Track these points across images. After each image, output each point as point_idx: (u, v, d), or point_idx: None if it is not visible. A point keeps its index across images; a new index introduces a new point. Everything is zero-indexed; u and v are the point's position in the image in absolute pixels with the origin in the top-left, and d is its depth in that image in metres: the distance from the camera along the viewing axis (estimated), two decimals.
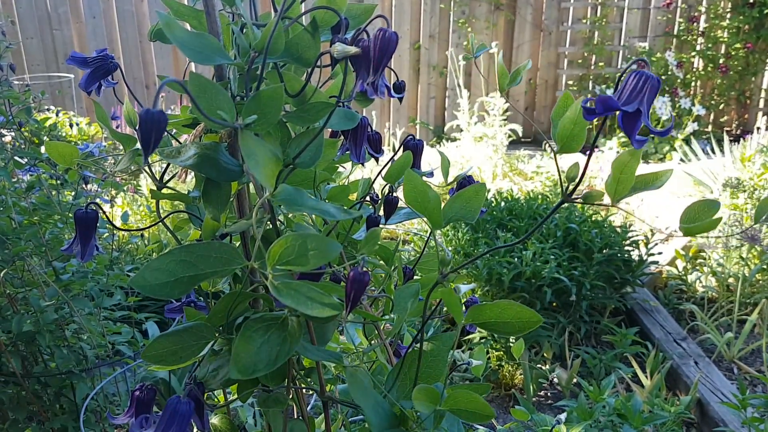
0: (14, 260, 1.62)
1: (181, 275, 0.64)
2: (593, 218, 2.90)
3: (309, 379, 0.90)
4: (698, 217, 0.63)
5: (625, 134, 0.58)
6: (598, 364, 2.55)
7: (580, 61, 6.30)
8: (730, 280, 3.03)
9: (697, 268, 3.25)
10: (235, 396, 0.87)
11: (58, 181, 1.85)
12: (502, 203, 3.00)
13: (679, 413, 2.05)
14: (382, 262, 0.93)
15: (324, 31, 0.74)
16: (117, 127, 3.00)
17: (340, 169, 0.97)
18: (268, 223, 0.76)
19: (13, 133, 1.86)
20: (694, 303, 3.07)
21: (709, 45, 6.09)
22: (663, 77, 6.03)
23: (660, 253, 3.09)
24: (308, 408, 1.08)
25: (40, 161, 1.78)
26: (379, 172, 0.91)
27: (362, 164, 0.87)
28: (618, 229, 2.90)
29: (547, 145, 5.31)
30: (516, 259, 2.67)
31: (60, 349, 1.69)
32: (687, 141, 5.49)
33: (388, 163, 0.89)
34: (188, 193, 0.86)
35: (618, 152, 4.90)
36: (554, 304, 2.73)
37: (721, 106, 6.25)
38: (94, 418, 1.76)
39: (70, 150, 0.82)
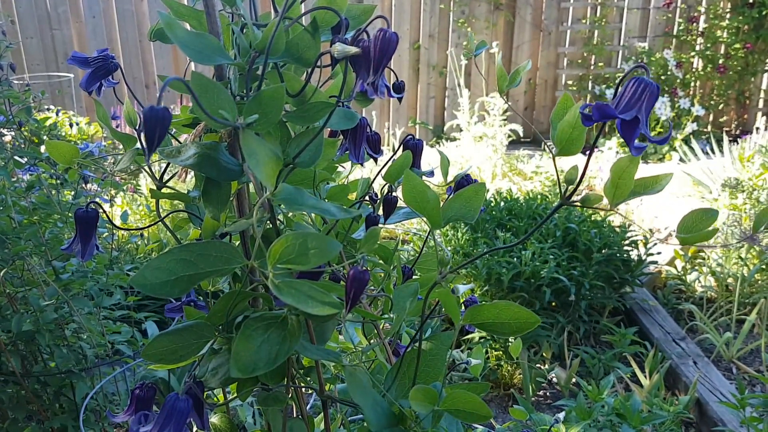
0: (14, 259, 1.63)
1: (181, 274, 0.64)
2: (592, 218, 2.91)
3: (308, 378, 0.90)
4: (695, 227, 0.64)
5: (624, 141, 0.58)
6: (597, 364, 2.56)
7: (579, 61, 6.31)
8: (729, 280, 3.03)
9: (696, 268, 3.26)
10: (235, 395, 0.87)
11: (58, 181, 1.85)
12: (502, 203, 3.00)
13: (678, 413, 2.05)
14: (381, 261, 0.93)
15: (324, 31, 0.74)
16: (117, 127, 3.00)
17: (339, 168, 0.97)
18: (268, 222, 0.77)
19: (13, 133, 1.86)
20: (693, 303, 3.07)
21: (709, 45, 6.10)
22: (662, 77, 6.04)
23: (659, 253, 3.09)
24: (307, 407, 1.08)
25: (39, 161, 1.79)
26: (379, 172, 0.91)
27: (361, 164, 0.87)
28: (617, 229, 2.91)
29: (547, 145, 5.31)
30: (515, 258, 2.67)
31: (59, 348, 1.69)
32: (686, 141, 5.50)
33: (387, 162, 0.89)
34: (188, 193, 0.87)
35: (617, 152, 4.90)
36: (553, 303, 2.73)
37: (721, 107, 6.25)
38: (94, 418, 1.77)
39: (71, 149, 0.82)
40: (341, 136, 0.87)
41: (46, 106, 3.37)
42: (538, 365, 2.56)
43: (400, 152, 0.90)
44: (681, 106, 5.80)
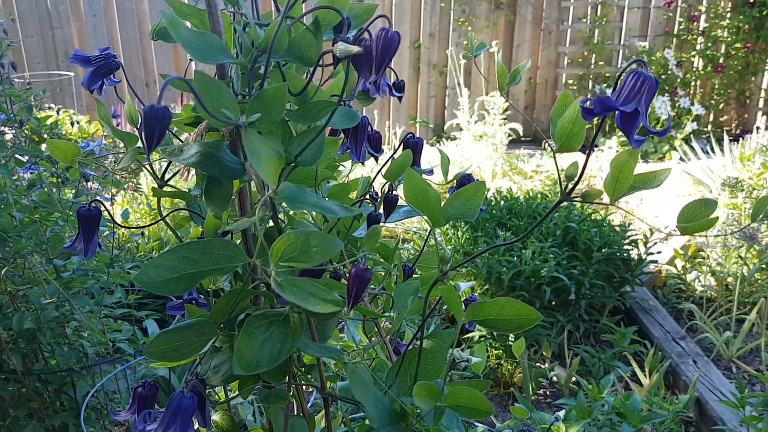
0: (15, 258, 1.63)
1: (183, 272, 0.64)
2: (592, 217, 2.91)
3: (309, 376, 0.90)
4: (695, 217, 0.64)
5: (623, 134, 0.59)
6: (597, 363, 2.56)
7: (580, 60, 6.31)
8: (729, 279, 3.04)
9: (696, 267, 3.26)
10: (236, 393, 0.87)
11: (59, 179, 1.86)
12: (502, 202, 3.00)
13: (678, 412, 2.06)
14: (382, 259, 0.93)
15: (326, 30, 0.74)
16: (117, 125, 3.00)
17: (340, 167, 0.97)
18: (270, 221, 0.77)
19: (14, 131, 1.86)
20: (693, 302, 3.08)
21: (709, 44, 6.10)
22: (662, 77, 6.04)
23: (659, 252, 3.09)
24: (308, 406, 1.08)
25: (40, 159, 1.79)
26: (379, 171, 0.91)
27: (362, 163, 0.87)
28: (617, 228, 2.91)
29: (547, 144, 5.31)
30: (515, 257, 2.67)
31: (60, 346, 1.70)
32: (686, 140, 5.50)
33: (388, 161, 0.89)
34: (189, 191, 0.87)
35: (617, 151, 4.90)
36: (553, 302, 2.74)
37: (721, 106, 6.25)
38: (95, 416, 1.77)
39: (72, 148, 0.83)
40: (342, 135, 0.88)
41: (47, 105, 3.38)
42: (538, 364, 2.56)
43: (400, 151, 0.90)
44: (681, 106, 5.80)
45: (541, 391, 2.54)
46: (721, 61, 6.07)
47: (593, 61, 6.29)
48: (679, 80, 6.04)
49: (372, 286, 0.93)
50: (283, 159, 0.66)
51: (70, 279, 1.68)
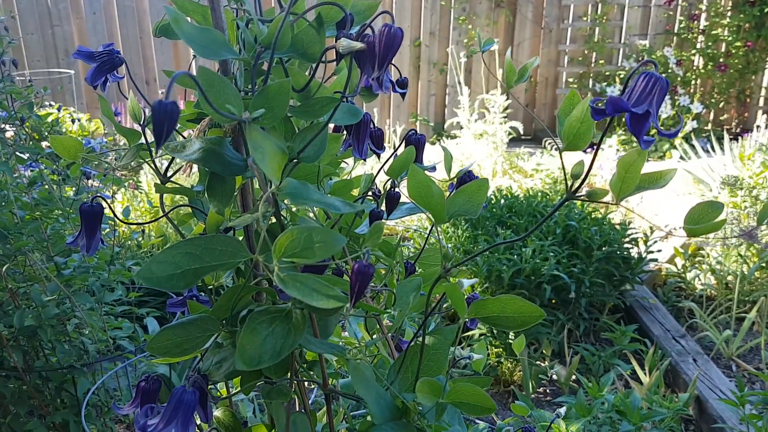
0: (16, 255, 1.63)
1: (186, 267, 0.64)
2: (593, 216, 2.91)
3: (311, 372, 0.90)
4: (702, 219, 0.64)
5: (633, 135, 0.59)
6: (597, 361, 2.56)
7: (580, 58, 6.31)
8: (729, 277, 3.04)
9: (696, 265, 3.26)
10: (238, 389, 0.87)
11: (60, 177, 1.86)
12: (502, 200, 3.00)
13: (678, 410, 2.06)
14: (384, 256, 0.94)
15: (329, 26, 0.74)
16: (118, 123, 2.98)
17: (342, 164, 0.97)
18: (272, 217, 0.77)
19: (15, 129, 1.86)
20: (693, 300, 3.08)
21: (710, 43, 6.10)
22: (663, 75, 6.03)
23: (659, 251, 3.09)
24: (309, 402, 1.08)
25: (41, 157, 1.79)
26: (381, 167, 0.91)
27: (364, 159, 0.87)
28: (617, 227, 2.91)
29: (547, 142, 5.32)
30: (516, 256, 2.68)
31: (61, 343, 1.70)
32: (687, 139, 5.50)
33: (390, 157, 0.89)
34: (192, 188, 0.87)
35: (618, 150, 4.90)
36: (553, 301, 2.74)
37: (721, 105, 6.25)
38: (95, 413, 1.77)
39: (75, 144, 0.83)
40: (344, 132, 0.88)
41: (47, 102, 3.37)
42: (538, 362, 2.57)
43: (402, 147, 0.90)
44: (681, 104, 5.80)
45: (541, 389, 2.54)
46: (721, 59, 6.07)
47: (593, 60, 6.29)
48: (679, 79, 6.04)
49: (372, 284, 0.93)
50: (285, 155, 0.66)
51: (71, 276, 1.68)
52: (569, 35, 6.28)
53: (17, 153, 1.74)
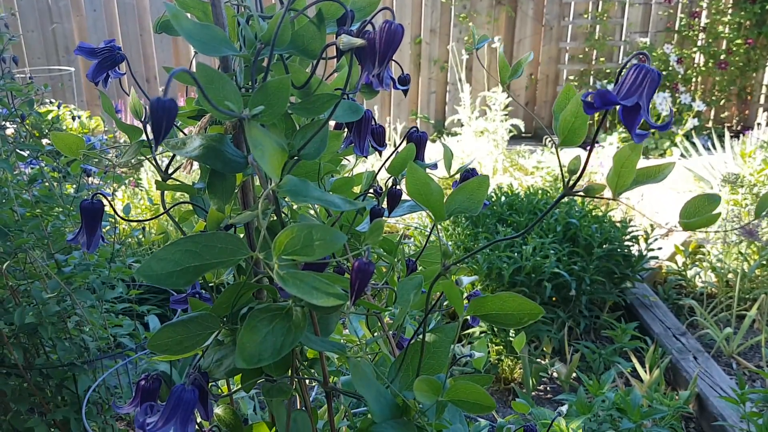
0: (16, 252, 1.63)
1: (186, 265, 0.64)
2: (593, 213, 2.91)
3: (312, 370, 0.90)
4: (698, 212, 0.64)
5: (625, 128, 0.59)
6: (597, 359, 2.56)
7: (581, 56, 6.30)
8: (730, 275, 3.04)
9: (697, 263, 3.26)
10: (239, 386, 0.87)
11: (60, 174, 1.86)
12: (503, 198, 3.00)
13: (678, 408, 2.06)
14: (385, 254, 0.93)
15: (329, 23, 0.74)
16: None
17: (344, 161, 0.97)
18: (273, 214, 0.77)
19: (15, 126, 1.86)
20: (693, 298, 3.08)
21: (710, 41, 6.09)
22: (663, 73, 6.02)
23: (660, 249, 3.09)
24: (310, 400, 1.08)
25: (42, 154, 1.79)
26: (383, 165, 0.91)
27: (365, 157, 0.87)
28: (618, 225, 2.91)
29: (548, 140, 5.31)
30: (516, 253, 2.67)
31: (62, 341, 1.70)
32: (687, 137, 5.49)
33: (391, 155, 0.89)
34: (193, 185, 0.87)
35: (618, 147, 4.89)
36: (554, 298, 2.74)
37: (722, 102, 6.25)
38: (96, 410, 1.77)
39: (76, 140, 0.83)
40: (345, 129, 0.88)
41: (47, 100, 3.37)
42: (538, 360, 2.57)
43: (403, 145, 0.90)
44: (682, 102, 5.79)
45: (541, 387, 2.54)
46: (722, 57, 6.06)
47: (594, 57, 6.28)
48: (680, 76, 6.03)
49: (373, 282, 0.93)
50: (286, 152, 0.66)
51: (72, 274, 1.68)
52: (570, 32, 6.28)
53: (17, 150, 1.74)
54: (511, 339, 2.54)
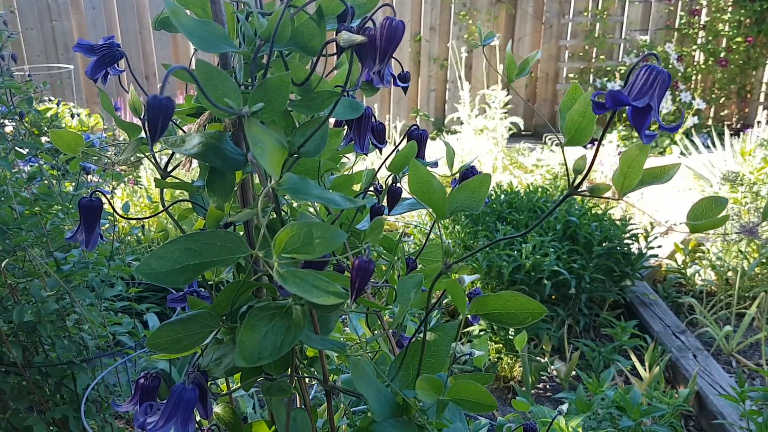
0: (15, 250, 1.62)
1: (186, 263, 0.64)
2: (593, 211, 2.91)
3: (312, 369, 0.90)
4: (705, 214, 0.63)
5: (635, 129, 0.58)
6: (597, 357, 2.56)
7: (581, 54, 6.29)
8: (729, 273, 3.04)
9: (696, 261, 3.26)
10: (238, 385, 0.87)
11: (59, 172, 1.85)
12: (502, 196, 3.00)
13: (678, 406, 2.06)
14: (385, 252, 0.93)
15: (330, 19, 0.73)
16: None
17: (344, 159, 0.97)
18: (272, 212, 0.76)
19: (14, 124, 1.85)
20: (693, 296, 3.08)
21: (710, 38, 6.08)
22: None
23: (659, 247, 3.09)
24: (310, 398, 1.08)
25: (41, 152, 1.78)
26: (383, 162, 0.90)
27: (365, 154, 0.87)
28: (617, 223, 2.91)
29: (548, 138, 5.31)
30: (516, 251, 2.67)
31: (61, 339, 1.69)
32: (687, 135, 5.49)
33: (392, 152, 0.89)
34: (192, 182, 0.86)
35: (618, 146, 4.89)
36: (553, 296, 2.74)
37: (722, 100, 6.24)
38: (95, 408, 1.77)
39: (75, 138, 0.82)
40: (345, 127, 0.87)
41: (46, 98, 3.37)
42: (538, 358, 2.56)
43: (404, 143, 0.89)
44: (682, 100, 5.79)
45: (541, 385, 2.54)
46: (722, 55, 6.06)
47: (594, 55, 6.27)
48: (680, 74, 6.03)
49: (373, 280, 0.92)
50: (285, 150, 0.65)
51: (71, 272, 1.67)
52: (570, 30, 6.27)
53: (16, 148, 1.73)
54: (510, 337, 2.54)
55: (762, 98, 6.32)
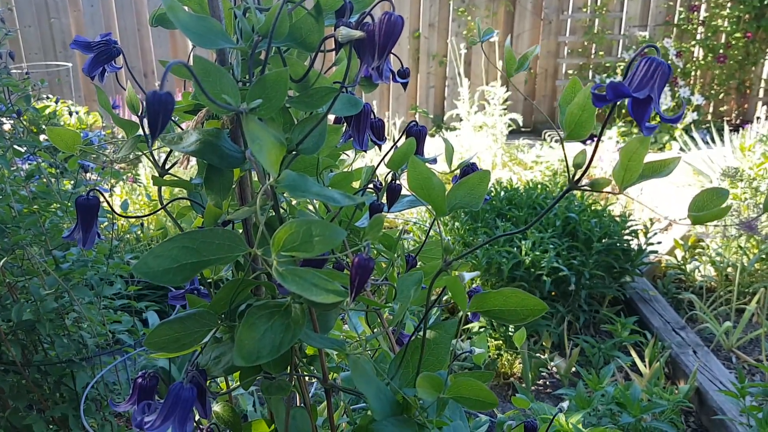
0: (14, 249, 1.62)
1: (183, 261, 0.63)
2: (593, 207, 2.90)
3: (311, 367, 0.90)
4: (707, 206, 0.63)
5: (635, 121, 0.58)
6: (596, 353, 2.56)
7: (580, 50, 6.28)
8: (729, 269, 3.03)
9: (696, 257, 3.26)
10: (238, 383, 0.86)
11: (58, 170, 1.85)
12: (502, 193, 2.99)
13: (678, 402, 2.06)
14: (384, 249, 0.93)
15: (328, 15, 0.73)
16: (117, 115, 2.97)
17: (343, 156, 0.96)
18: (271, 210, 0.76)
19: (12, 122, 1.85)
20: (692, 292, 3.07)
21: (710, 34, 6.07)
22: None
23: (659, 243, 3.09)
24: (310, 396, 1.07)
25: (39, 150, 1.78)
26: (382, 159, 0.90)
27: (365, 151, 0.86)
28: (617, 219, 2.90)
29: (547, 134, 5.30)
30: (515, 248, 2.67)
31: (60, 337, 1.69)
32: (687, 130, 5.49)
33: (391, 149, 0.88)
34: (190, 180, 0.86)
35: (617, 141, 4.89)
36: (553, 293, 2.73)
37: (721, 96, 6.23)
38: (95, 407, 1.76)
39: (72, 135, 0.82)
40: (344, 123, 0.87)
41: (45, 95, 3.36)
42: (538, 354, 2.56)
43: (403, 139, 0.89)
44: (681, 96, 5.78)
45: (540, 382, 2.54)
46: (721, 51, 6.05)
47: (593, 51, 6.26)
48: (679, 70, 6.02)
49: (373, 278, 0.92)
50: (284, 147, 0.65)
51: (70, 270, 1.67)
52: (569, 26, 6.26)
53: (15, 146, 1.73)
54: (510, 334, 2.54)
55: (761, 94, 6.31)
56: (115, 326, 1.84)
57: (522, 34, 6.24)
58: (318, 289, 0.61)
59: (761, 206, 3.22)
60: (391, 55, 0.73)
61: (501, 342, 2.56)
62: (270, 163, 0.61)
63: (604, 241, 2.77)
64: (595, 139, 0.67)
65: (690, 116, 5.60)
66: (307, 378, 0.97)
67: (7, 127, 1.87)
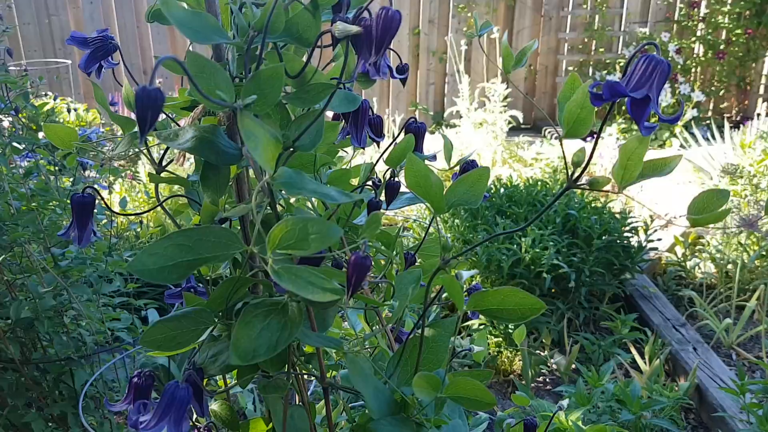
0: (12, 246, 1.62)
1: (179, 260, 0.63)
2: (593, 205, 2.90)
3: (309, 365, 0.89)
4: (706, 208, 0.62)
5: (633, 120, 0.57)
6: (596, 350, 2.55)
7: (580, 46, 6.27)
8: (729, 266, 3.03)
9: (696, 254, 3.25)
10: (235, 381, 0.86)
11: (56, 167, 1.84)
12: (502, 190, 2.98)
13: (678, 399, 2.05)
14: (383, 247, 0.92)
15: (325, 10, 0.72)
16: (115, 113, 2.96)
17: (341, 153, 0.96)
18: (268, 207, 0.75)
19: (10, 119, 1.84)
20: (693, 289, 3.07)
21: (710, 31, 6.06)
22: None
23: (659, 240, 3.08)
24: (308, 394, 1.07)
25: (38, 147, 1.77)
26: (380, 156, 0.89)
27: (363, 148, 0.86)
28: (617, 216, 2.90)
29: (547, 131, 5.29)
30: (515, 245, 2.66)
31: (59, 335, 1.69)
32: (687, 127, 5.48)
33: (389, 146, 0.87)
34: (187, 177, 0.85)
35: (618, 138, 4.88)
36: (553, 290, 2.73)
37: (721, 93, 6.22)
38: (93, 405, 1.76)
39: (69, 132, 0.81)
40: (342, 120, 0.86)
41: (43, 92, 3.35)
42: (537, 351, 2.56)
43: (402, 136, 0.88)
44: (681, 92, 5.77)
45: (540, 379, 2.53)
46: (721, 47, 6.04)
47: (593, 48, 6.25)
48: (679, 67, 6.01)
49: (372, 275, 0.91)
50: (280, 143, 0.64)
51: (68, 268, 1.66)
52: (569, 23, 6.24)
53: (13, 143, 1.72)
54: (510, 331, 2.54)
55: (762, 90, 6.30)
56: (114, 324, 1.84)
57: (522, 31, 6.23)
58: (314, 288, 0.60)
59: (762, 203, 3.21)
60: (390, 51, 0.72)
61: (501, 339, 2.56)
62: (266, 160, 0.61)
63: (604, 238, 2.76)
64: (595, 136, 0.67)
65: (690, 113, 5.59)
66: (305, 375, 0.96)
67: (5, 124, 1.87)
